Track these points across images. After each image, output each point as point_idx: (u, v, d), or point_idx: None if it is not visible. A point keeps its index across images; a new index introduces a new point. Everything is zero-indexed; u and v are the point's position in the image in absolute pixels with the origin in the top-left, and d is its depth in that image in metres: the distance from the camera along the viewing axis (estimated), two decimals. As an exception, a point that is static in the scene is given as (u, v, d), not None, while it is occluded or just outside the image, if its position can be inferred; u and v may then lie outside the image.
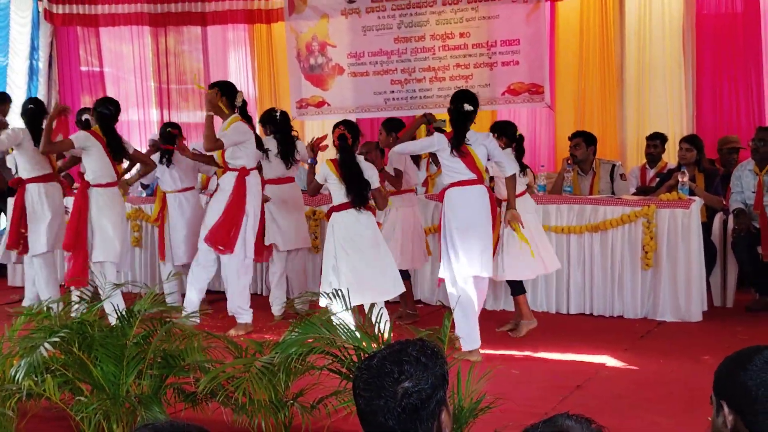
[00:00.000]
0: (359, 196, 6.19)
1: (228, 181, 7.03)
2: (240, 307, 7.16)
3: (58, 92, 12.35)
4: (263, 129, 8.00)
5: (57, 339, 4.22)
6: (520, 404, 5.01)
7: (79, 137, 7.18)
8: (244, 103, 7.19)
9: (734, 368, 2.27)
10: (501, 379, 4.92)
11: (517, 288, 6.94)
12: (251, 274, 7.47)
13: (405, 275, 7.30)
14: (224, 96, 7.01)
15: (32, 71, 12.24)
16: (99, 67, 12.48)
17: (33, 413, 4.46)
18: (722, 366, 2.33)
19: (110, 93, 12.23)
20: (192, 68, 12.36)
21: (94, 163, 7.14)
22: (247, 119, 7.17)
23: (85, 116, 8.35)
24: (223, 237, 6.93)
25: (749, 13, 9.60)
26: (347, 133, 6.25)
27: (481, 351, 6.18)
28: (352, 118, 10.42)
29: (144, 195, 9.30)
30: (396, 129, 7.31)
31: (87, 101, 12.29)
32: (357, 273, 6.10)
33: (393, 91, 10.79)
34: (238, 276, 7.09)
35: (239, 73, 12.17)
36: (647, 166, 9.02)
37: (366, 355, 2.57)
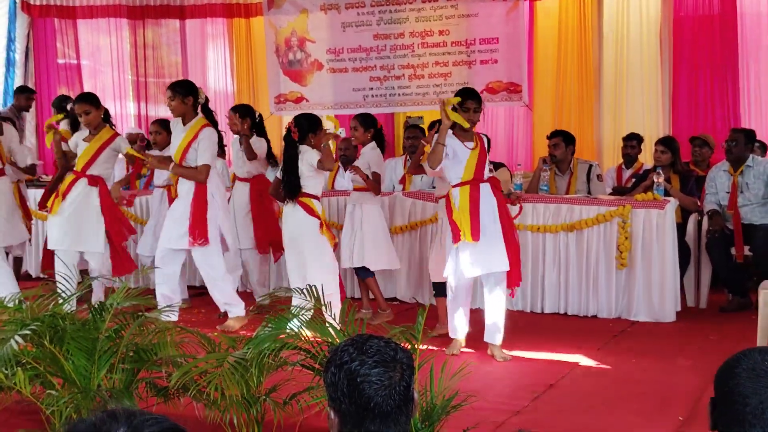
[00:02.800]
0: (287, 189, 6.59)
1: (190, 185, 7.01)
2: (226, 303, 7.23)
3: (35, 84, 12.24)
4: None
5: (28, 332, 4.17)
6: (493, 402, 5.03)
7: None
8: (206, 99, 7.20)
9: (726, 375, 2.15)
10: (474, 376, 4.93)
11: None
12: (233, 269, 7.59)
13: (368, 273, 7.35)
14: (191, 96, 7.01)
15: (9, 63, 12.13)
16: (76, 59, 12.39)
17: (3, 406, 4.43)
18: (718, 372, 2.21)
19: (87, 86, 12.18)
20: (170, 62, 12.30)
21: None
22: (209, 115, 7.20)
23: (71, 105, 8.29)
24: (201, 230, 6.92)
25: (726, 15, 9.66)
26: (293, 128, 6.60)
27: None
28: (331, 114, 10.46)
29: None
30: (371, 125, 7.34)
31: (64, 93, 12.22)
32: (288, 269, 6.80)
33: (372, 88, 10.79)
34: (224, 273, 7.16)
35: (217, 67, 12.12)
36: (623, 166, 9.07)
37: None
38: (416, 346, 3.95)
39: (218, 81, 12.02)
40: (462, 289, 6.17)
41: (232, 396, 4.01)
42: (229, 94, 11.85)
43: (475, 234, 5.91)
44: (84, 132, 7.29)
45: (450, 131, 5.97)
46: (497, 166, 8.28)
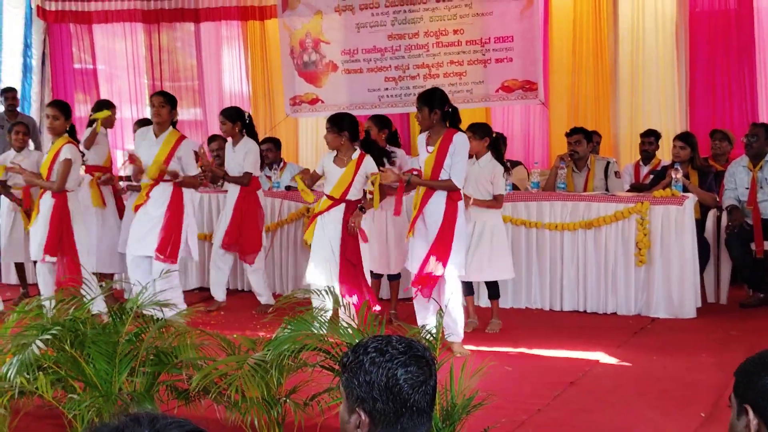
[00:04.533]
0: None
1: (164, 191, 7.07)
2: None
3: (51, 89, 12.32)
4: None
5: (49, 336, 4.19)
6: (513, 401, 5.01)
7: None
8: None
9: (760, 371, 2.17)
10: (494, 375, 4.91)
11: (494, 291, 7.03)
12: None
13: (395, 276, 7.32)
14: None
15: (26, 69, 12.21)
16: (92, 64, 12.46)
17: (26, 411, 4.45)
18: (745, 367, 2.23)
19: (103, 90, 12.25)
20: (186, 65, 12.34)
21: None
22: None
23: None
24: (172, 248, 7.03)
25: (742, 10, 9.62)
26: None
27: (475, 348, 6.21)
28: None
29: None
30: (385, 126, 7.32)
31: (80, 98, 12.30)
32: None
33: (387, 88, 10.78)
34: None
35: (233, 70, 12.14)
36: (641, 162, 9.03)
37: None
38: (436, 345, 3.95)
39: (233, 83, 12.04)
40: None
41: (252, 398, 4.01)
42: (244, 97, 11.87)
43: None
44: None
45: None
46: (514, 164, 8.27)
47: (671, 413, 4.92)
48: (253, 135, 7.92)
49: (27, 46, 12.24)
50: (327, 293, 4.55)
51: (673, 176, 7.40)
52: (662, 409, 4.99)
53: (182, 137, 7.17)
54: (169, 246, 6.98)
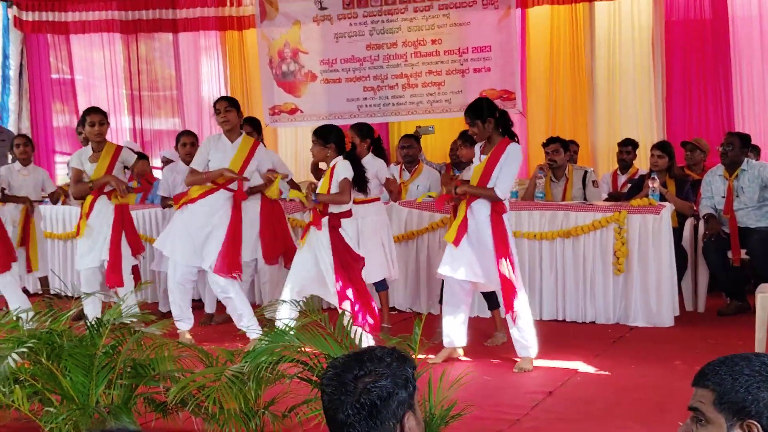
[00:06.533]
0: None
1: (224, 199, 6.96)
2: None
3: (29, 100, 12.26)
4: None
5: (25, 349, 4.17)
6: (492, 411, 5.01)
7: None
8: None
9: (760, 383, 2.07)
10: (472, 386, 4.93)
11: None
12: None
13: (382, 286, 7.28)
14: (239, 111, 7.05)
15: (4, 79, 12.17)
16: (70, 74, 12.42)
17: (2, 424, 4.42)
18: (737, 380, 2.10)
19: (81, 100, 12.20)
20: (164, 75, 12.32)
21: None
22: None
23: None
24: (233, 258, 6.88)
25: (718, 19, 9.70)
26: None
27: (453, 358, 6.25)
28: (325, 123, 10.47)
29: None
30: (367, 135, 7.30)
31: (58, 108, 12.25)
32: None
33: (366, 98, 10.81)
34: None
35: (211, 80, 12.14)
36: (619, 171, 9.08)
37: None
38: (414, 356, 3.95)
39: (212, 93, 12.02)
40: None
41: (230, 409, 4.01)
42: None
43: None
44: (85, 152, 7.20)
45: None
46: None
47: (649, 422, 4.93)
48: None
49: (5, 57, 12.21)
50: (295, 304, 4.54)
51: (651, 185, 7.44)
52: (641, 418, 5.00)
53: (257, 142, 7.07)
54: (231, 258, 6.78)
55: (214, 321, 7.79)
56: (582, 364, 6.17)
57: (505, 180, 5.94)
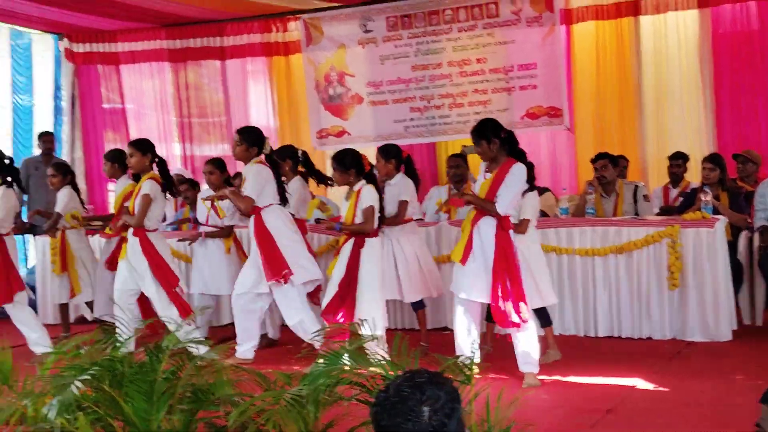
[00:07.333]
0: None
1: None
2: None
3: (82, 130, 12.48)
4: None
5: (87, 376, 4.23)
6: (551, 430, 4.98)
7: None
8: (272, 150, 7.32)
9: None
10: (531, 405, 4.91)
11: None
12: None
13: (419, 304, 7.30)
14: (256, 147, 7.10)
15: (57, 111, 12.42)
16: (121, 103, 12.60)
17: (66, 451, 4.47)
18: None
19: (133, 129, 12.39)
20: (213, 101, 12.43)
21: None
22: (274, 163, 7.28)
23: None
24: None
25: (765, 30, 9.60)
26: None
27: (508, 377, 6.20)
28: (374, 146, 10.49)
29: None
30: (392, 155, 7.28)
31: (110, 138, 12.44)
32: None
33: (413, 119, 10.85)
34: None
35: (259, 104, 12.22)
36: (670, 185, 9.00)
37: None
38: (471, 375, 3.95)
39: (260, 118, 12.09)
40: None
41: (290, 433, 4.02)
42: (271, 130, 11.92)
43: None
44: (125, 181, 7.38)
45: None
46: (542, 191, 8.25)
47: (711, 438, 4.87)
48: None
49: (57, 88, 12.46)
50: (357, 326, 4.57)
51: (703, 198, 7.38)
52: (701, 434, 4.95)
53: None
54: (274, 265, 6.87)
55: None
56: (640, 380, 6.12)
57: (505, 197, 6.01)
